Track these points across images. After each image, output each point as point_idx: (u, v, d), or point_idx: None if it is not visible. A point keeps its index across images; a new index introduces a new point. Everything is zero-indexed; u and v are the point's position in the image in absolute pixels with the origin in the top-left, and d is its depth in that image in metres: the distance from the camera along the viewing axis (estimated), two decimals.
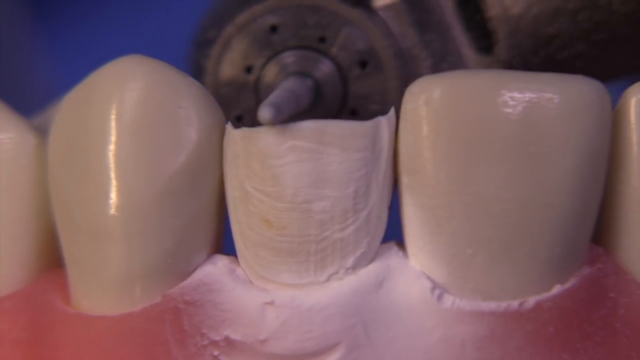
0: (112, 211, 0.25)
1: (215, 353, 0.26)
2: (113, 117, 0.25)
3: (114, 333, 0.26)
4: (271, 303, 0.25)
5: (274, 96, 0.25)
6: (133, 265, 0.26)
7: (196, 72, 0.30)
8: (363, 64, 0.30)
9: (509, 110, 0.25)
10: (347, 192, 0.25)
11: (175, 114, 0.25)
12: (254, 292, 0.26)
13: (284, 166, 0.25)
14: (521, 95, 0.25)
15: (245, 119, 0.30)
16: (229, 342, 0.25)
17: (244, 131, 0.25)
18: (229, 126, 0.26)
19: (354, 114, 0.30)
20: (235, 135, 0.26)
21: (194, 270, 0.26)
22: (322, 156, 0.25)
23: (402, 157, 0.26)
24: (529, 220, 0.25)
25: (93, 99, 0.26)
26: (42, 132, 0.28)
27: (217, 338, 0.26)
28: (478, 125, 0.25)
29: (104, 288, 0.26)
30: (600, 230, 0.27)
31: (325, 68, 0.30)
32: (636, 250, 0.26)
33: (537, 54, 0.30)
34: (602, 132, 0.25)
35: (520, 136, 0.25)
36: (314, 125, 0.25)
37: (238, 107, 0.30)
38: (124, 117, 0.25)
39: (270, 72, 0.30)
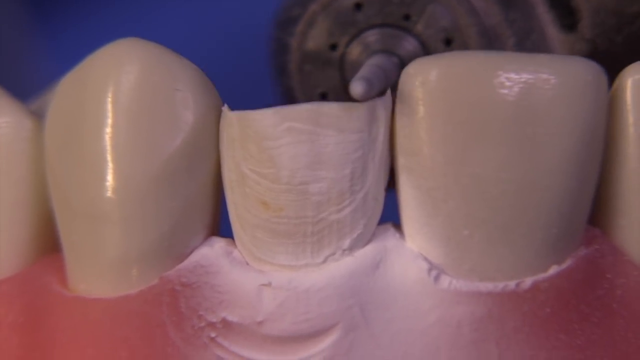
0: (109, 194, 0.25)
1: (213, 335, 0.26)
2: (109, 100, 0.25)
3: (111, 315, 0.26)
4: (268, 285, 0.25)
5: (364, 71, 0.25)
6: (130, 248, 0.26)
7: (280, 49, 0.30)
8: (448, 42, 0.30)
9: (505, 91, 0.25)
10: (344, 173, 0.25)
11: (171, 97, 0.25)
12: (251, 274, 0.26)
13: (281, 148, 0.25)
14: (517, 76, 0.25)
15: (329, 96, 0.30)
16: (226, 323, 0.25)
17: (240, 113, 0.25)
18: (225, 108, 0.26)
19: None
20: (231, 118, 0.26)
21: (191, 252, 0.26)
22: (318, 138, 0.25)
23: (399, 139, 0.26)
24: (526, 202, 0.25)
25: (89, 82, 0.26)
26: (38, 116, 0.28)
27: (214, 320, 0.26)
28: (474, 107, 0.25)
29: (101, 271, 0.26)
30: (597, 212, 0.27)
31: (409, 46, 0.30)
32: (633, 231, 0.26)
33: (621, 32, 0.30)
34: (598, 113, 0.25)
35: (517, 117, 0.25)
36: (310, 107, 0.25)
37: (322, 84, 0.30)
38: (120, 100, 0.25)
39: (355, 50, 0.30)
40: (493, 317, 0.25)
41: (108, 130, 0.25)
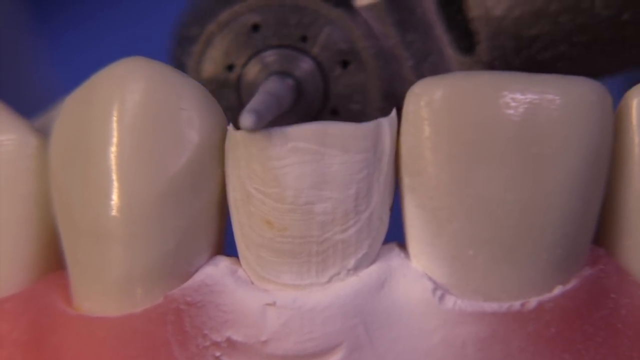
0: (114, 212, 0.25)
1: (217, 354, 0.26)
2: (114, 118, 0.25)
3: (115, 334, 0.26)
4: (272, 304, 0.25)
5: (254, 102, 0.25)
6: (134, 266, 0.26)
7: (177, 69, 0.30)
8: (345, 64, 0.30)
9: (511, 111, 0.25)
10: (349, 193, 0.25)
11: (176, 116, 0.25)
12: (256, 293, 0.26)
13: (286, 167, 0.25)
14: (523, 96, 0.25)
15: (226, 116, 0.30)
16: (230, 343, 0.25)
17: (246, 133, 0.25)
18: (230, 127, 0.26)
19: (335, 114, 0.30)
20: (236, 137, 0.26)
21: (196, 271, 0.26)
22: (323, 157, 0.25)
23: (404, 159, 0.26)
24: (531, 222, 0.25)
25: (94, 101, 0.26)
26: (43, 134, 0.28)
27: (219, 339, 0.26)
28: (479, 127, 0.25)
29: (105, 289, 0.26)
30: (602, 232, 0.27)
31: (306, 67, 0.30)
32: (638, 251, 0.26)
33: (519, 55, 0.30)
34: (603, 134, 0.25)
35: (522, 138, 0.25)
36: (316, 126, 0.25)
37: (219, 105, 0.30)
38: (125, 118, 0.25)
39: (252, 71, 0.30)
40: (498, 337, 0.25)
41: (113, 149, 0.25)
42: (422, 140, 0.25)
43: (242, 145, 0.25)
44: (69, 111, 0.26)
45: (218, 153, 0.26)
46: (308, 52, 0.30)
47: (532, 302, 0.25)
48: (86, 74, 0.27)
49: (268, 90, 0.27)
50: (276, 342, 0.25)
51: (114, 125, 0.25)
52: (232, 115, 0.29)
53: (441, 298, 0.25)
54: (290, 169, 0.25)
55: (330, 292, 0.26)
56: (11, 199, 0.27)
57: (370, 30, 0.29)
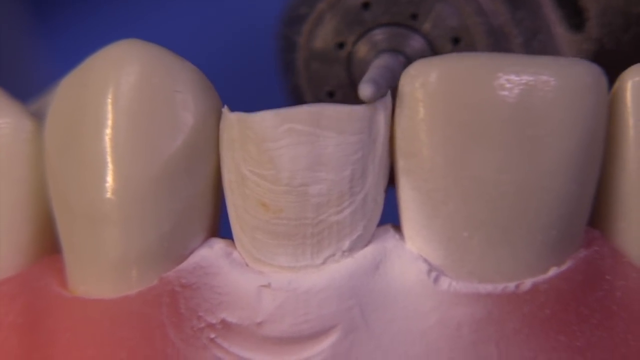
0: (109, 195, 0.25)
1: (212, 336, 0.26)
2: (109, 101, 0.25)
3: (110, 316, 0.26)
4: (267, 286, 0.25)
5: (372, 73, 0.25)
6: (129, 249, 0.26)
7: (287, 47, 0.30)
8: (455, 41, 0.30)
9: (506, 93, 0.25)
10: (344, 175, 0.25)
11: (171, 98, 0.25)
12: (251, 275, 0.26)
13: (281, 149, 0.25)
14: (518, 78, 0.25)
15: (337, 94, 0.30)
16: (225, 325, 0.25)
17: (240, 115, 0.25)
18: (225, 110, 0.26)
19: None
20: (231, 119, 0.26)
21: (191, 253, 0.26)
22: (318, 139, 0.25)
23: (399, 141, 0.26)
24: (526, 203, 0.25)
25: (89, 83, 0.26)
26: (38, 118, 0.28)
27: (214, 321, 0.26)
28: (474, 108, 0.25)
29: (100, 272, 0.26)
30: (597, 214, 0.27)
31: (417, 45, 0.30)
32: (632, 233, 0.26)
33: (628, 32, 0.30)
34: (598, 115, 0.25)
35: (517, 119, 0.25)
36: (311, 108, 0.25)
37: (329, 83, 0.30)
38: (120, 101, 0.25)
39: (362, 49, 0.30)
40: (493, 318, 0.25)
41: (108, 131, 0.25)
42: (417, 122, 0.25)
43: (237, 128, 0.25)
44: (64, 94, 0.26)
45: (213, 135, 0.26)
46: (418, 29, 0.30)
47: (527, 283, 0.25)
48: None
49: (383, 65, 0.27)
50: (271, 324, 0.25)
51: (109, 107, 0.25)
52: (342, 93, 0.29)
53: (436, 279, 0.25)
54: (285, 151, 0.25)
55: (325, 273, 0.26)
56: (6, 182, 0.27)
57: (480, 8, 0.29)
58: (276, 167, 0.25)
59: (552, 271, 0.26)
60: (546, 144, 0.25)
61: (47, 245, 0.28)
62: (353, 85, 0.24)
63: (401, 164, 0.26)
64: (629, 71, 0.26)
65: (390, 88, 0.26)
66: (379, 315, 0.25)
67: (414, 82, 0.25)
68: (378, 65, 0.27)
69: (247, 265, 0.26)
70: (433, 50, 0.30)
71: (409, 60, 0.29)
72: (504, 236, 0.25)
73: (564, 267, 0.26)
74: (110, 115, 0.25)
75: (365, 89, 0.24)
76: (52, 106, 0.27)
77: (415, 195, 0.26)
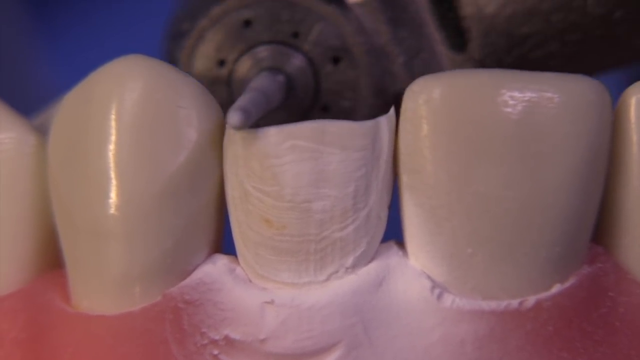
0: (112, 211, 0.25)
1: (215, 352, 0.26)
2: (113, 116, 0.25)
3: (113, 332, 0.26)
4: (271, 302, 0.25)
5: (242, 100, 0.25)
6: (133, 265, 0.26)
7: (171, 63, 0.30)
8: (336, 60, 0.30)
9: (509, 109, 0.25)
10: (347, 191, 0.25)
11: (175, 114, 0.25)
12: (254, 292, 0.26)
13: (284, 165, 0.25)
14: (521, 94, 0.25)
15: None
16: (228, 341, 0.25)
17: (245, 132, 0.25)
18: (228, 126, 0.26)
19: (326, 110, 0.30)
20: (235, 135, 0.26)
21: (194, 269, 0.26)
22: (322, 155, 0.25)
23: (402, 157, 0.26)
24: (529, 220, 0.25)
25: (93, 99, 0.26)
26: (42, 132, 0.28)
27: (217, 337, 0.26)
28: (478, 125, 0.25)
29: (103, 288, 0.26)
30: (600, 230, 0.27)
31: (298, 63, 0.30)
32: (636, 249, 0.26)
33: (511, 53, 0.30)
34: (602, 132, 0.25)
35: (521, 135, 0.25)
36: (315, 125, 0.25)
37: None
38: (123, 116, 0.25)
39: (243, 66, 0.30)
40: (496, 335, 0.25)
41: (111, 147, 0.25)
42: (421, 139, 0.25)
43: (240, 144, 0.25)
44: (68, 109, 0.26)
45: (216, 151, 0.26)
46: (299, 48, 0.30)
47: (530, 300, 0.25)
48: (86, 74, 0.27)
49: (257, 87, 0.27)
50: (274, 341, 0.25)
51: (113, 123, 0.25)
52: (224, 112, 0.29)
53: (439, 296, 0.25)
54: (289, 167, 0.25)
55: (328, 290, 0.26)
56: (9, 197, 0.27)
57: (362, 27, 0.29)
58: (279, 184, 0.25)
59: (556, 288, 0.26)
60: (550, 160, 0.25)
61: (50, 260, 0.28)
62: (233, 103, 0.24)
63: (404, 180, 0.26)
64: (633, 87, 0.26)
65: (264, 113, 0.26)
66: (382, 331, 0.25)
67: (418, 99, 0.25)
68: (252, 89, 0.27)
69: (250, 281, 0.26)
70: (313, 68, 0.30)
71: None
72: (508, 253, 0.25)
73: (567, 284, 0.26)
74: (113, 131, 0.25)
75: (232, 117, 0.24)
76: (55, 121, 0.27)
77: (418, 211, 0.26)
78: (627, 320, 0.26)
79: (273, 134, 0.25)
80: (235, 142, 0.26)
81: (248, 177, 0.25)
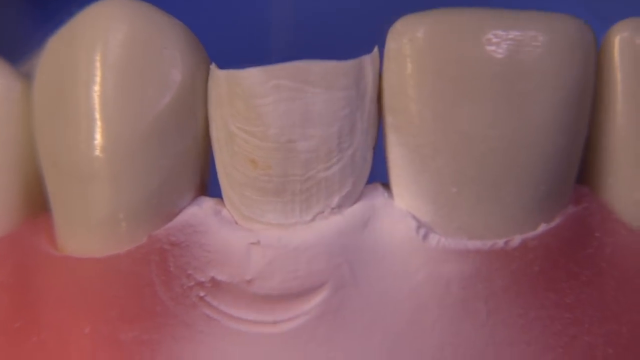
0: (97, 152, 0.25)
1: (202, 294, 0.25)
2: (97, 58, 0.25)
3: (100, 274, 0.26)
4: (257, 243, 0.25)
5: None
6: (118, 206, 0.26)
7: None
8: None
9: (494, 48, 0.25)
10: (332, 131, 0.25)
11: (159, 55, 0.25)
12: (240, 233, 0.26)
13: (268, 105, 0.25)
14: (505, 33, 0.25)
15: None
16: (214, 283, 0.25)
17: (229, 72, 0.25)
18: (213, 67, 0.26)
19: None
20: (219, 76, 0.26)
21: (180, 211, 0.26)
22: (306, 95, 0.25)
23: (387, 97, 0.26)
24: (514, 159, 0.25)
25: (77, 41, 0.26)
26: (28, 79, 0.28)
27: (203, 279, 0.25)
28: (462, 63, 0.25)
29: (89, 229, 0.26)
30: (586, 170, 0.27)
31: None
32: (621, 189, 0.26)
33: None
34: (586, 70, 0.25)
35: (505, 74, 0.25)
36: (298, 64, 0.25)
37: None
38: (108, 58, 0.25)
39: None
40: (481, 275, 0.25)
41: (96, 88, 0.25)
42: (405, 78, 0.25)
43: (225, 84, 0.25)
44: (52, 52, 0.26)
45: (201, 92, 0.26)
46: None
47: (516, 240, 0.25)
48: None
49: None
50: (261, 281, 0.25)
51: (97, 65, 0.25)
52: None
53: (425, 236, 0.25)
54: (273, 107, 0.25)
55: (314, 230, 0.25)
56: None
57: None
58: (264, 124, 0.25)
59: (541, 228, 0.26)
60: (534, 99, 0.25)
61: (36, 205, 0.28)
62: None
63: (389, 121, 0.26)
64: (616, 26, 0.26)
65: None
66: (368, 272, 0.25)
67: (402, 38, 0.25)
68: None
69: (236, 223, 0.26)
70: None
71: None
72: (493, 192, 0.25)
73: (553, 224, 0.26)
74: (98, 72, 0.25)
75: None
76: (40, 64, 0.27)
77: (403, 151, 0.26)
78: (613, 261, 0.26)
79: (257, 73, 0.25)
80: (219, 83, 0.26)
81: (233, 118, 0.25)
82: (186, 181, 0.26)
